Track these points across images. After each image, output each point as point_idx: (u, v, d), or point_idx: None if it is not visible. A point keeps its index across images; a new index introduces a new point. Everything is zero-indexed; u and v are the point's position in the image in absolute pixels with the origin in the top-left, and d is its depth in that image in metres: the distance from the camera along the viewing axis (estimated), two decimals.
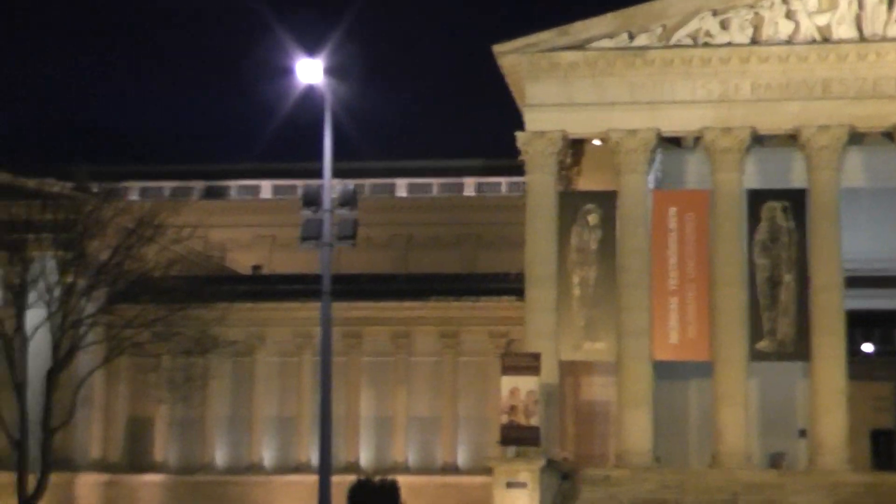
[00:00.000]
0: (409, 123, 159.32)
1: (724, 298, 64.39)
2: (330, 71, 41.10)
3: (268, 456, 78.03)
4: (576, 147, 68.45)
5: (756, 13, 65.65)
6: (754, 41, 65.34)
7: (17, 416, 62.70)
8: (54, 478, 64.48)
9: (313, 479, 64.95)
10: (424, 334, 77.28)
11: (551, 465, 62.04)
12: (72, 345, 63.74)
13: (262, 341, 78.22)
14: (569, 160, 68.30)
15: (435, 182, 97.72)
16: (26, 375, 62.94)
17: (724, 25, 65.50)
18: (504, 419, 61.40)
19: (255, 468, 77.60)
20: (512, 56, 66.05)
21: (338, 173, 47.58)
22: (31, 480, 62.16)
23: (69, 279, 63.39)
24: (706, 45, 65.25)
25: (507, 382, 61.58)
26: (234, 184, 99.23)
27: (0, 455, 72.86)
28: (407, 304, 77.06)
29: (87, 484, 75.90)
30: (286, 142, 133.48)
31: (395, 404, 77.23)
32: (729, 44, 65.23)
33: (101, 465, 77.33)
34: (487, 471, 62.46)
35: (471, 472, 74.60)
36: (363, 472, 71.74)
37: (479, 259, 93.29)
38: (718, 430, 64.03)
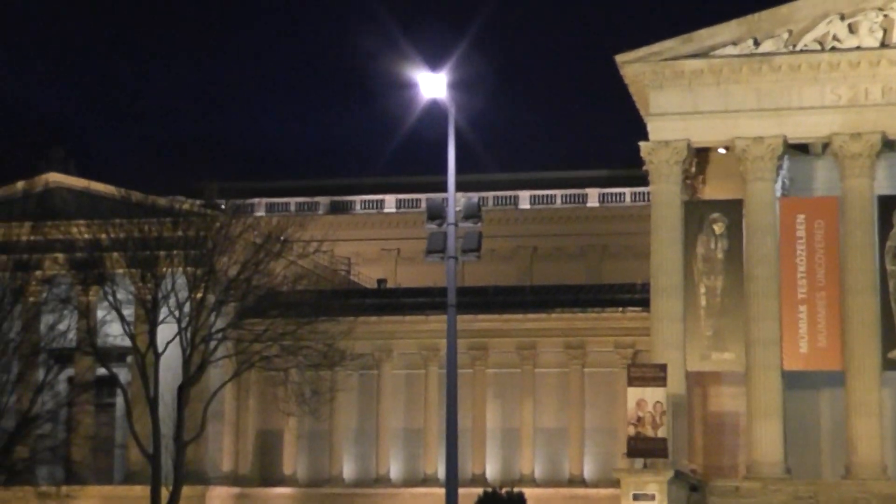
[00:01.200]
0: (531, 135, 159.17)
1: (855, 307, 63.17)
2: (454, 84, 41.15)
3: (395, 468, 78.36)
4: (700, 156, 67.75)
5: (885, 16, 64.39)
6: (884, 44, 64.08)
7: (150, 430, 63.88)
8: (186, 491, 65.47)
9: (440, 491, 65.02)
10: (550, 346, 76.99)
11: (679, 476, 61.35)
12: (202, 359, 64.78)
13: (389, 354, 78.62)
14: (693, 169, 67.62)
15: (558, 193, 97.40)
16: (158, 390, 64.07)
17: (852, 29, 64.33)
18: (631, 431, 60.87)
19: (383, 481, 77.97)
20: (635, 65, 65.58)
21: (461, 186, 47.66)
22: (164, 493, 63.26)
23: (199, 295, 64.46)
24: (834, 49, 64.14)
25: (634, 394, 61.05)
26: (358, 198, 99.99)
27: (133, 469, 74.43)
28: (532, 315, 76.86)
29: (219, 497, 76.89)
30: (410, 155, 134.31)
31: (521, 416, 77.06)
32: (858, 48, 64.04)
33: (232, 478, 78.25)
34: (615, 483, 62.03)
35: (598, 484, 74.17)
36: (490, 485, 71.55)
37: (603, 270, 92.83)
38: (851, 441, 62.78)
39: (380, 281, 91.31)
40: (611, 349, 75.82)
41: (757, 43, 64.78)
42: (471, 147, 47.57)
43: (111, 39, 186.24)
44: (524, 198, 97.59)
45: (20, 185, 67.16)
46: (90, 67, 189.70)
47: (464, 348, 67.39)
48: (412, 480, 77.65)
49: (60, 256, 66.62)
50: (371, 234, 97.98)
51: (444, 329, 59.29)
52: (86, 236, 66.20)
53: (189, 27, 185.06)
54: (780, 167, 65.65)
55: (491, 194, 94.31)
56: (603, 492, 71.87)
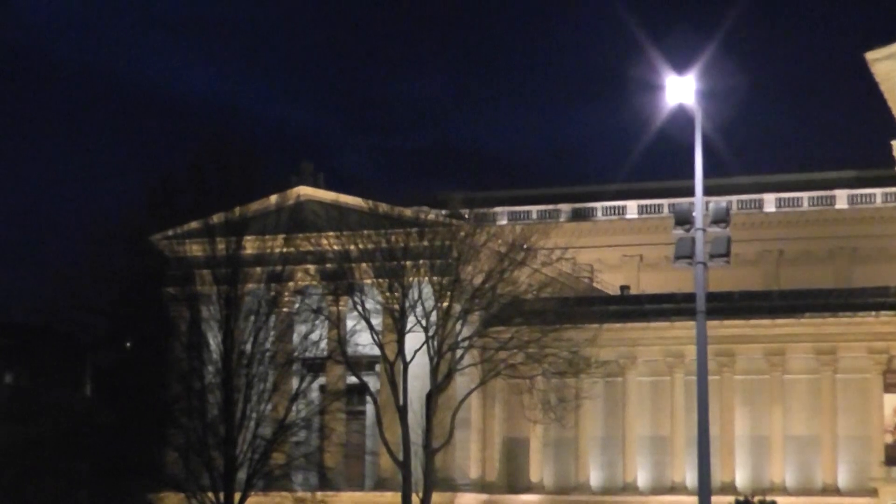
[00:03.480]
0: (777, 136, 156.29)
1: None
2: (701, 88, 40.56)
3: (642, 476, 77.76)
4: None
5: None
6: None
7: (400, 437, 64.93)
8: (435, 497, 66.37)
9: (689, 500, 64.44)
10: (799, 351, 75.31)
11: None
12: (449, 368, 65.65)
13: (633, 361, 78.11)
14: None
15: (805, 196, 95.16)
16: (407, 398, 65.06)
17: None
18: (888, 438, 59.37)
19: (630, 488, 77.47)
20: (886, 62, 63.74)
21: (705, 191, 46.92)
22: (415, 500, 64.19)
23: (445, 304, 65.25)
24: None
25: (891, 400, 59.56)
26: (600, 205, 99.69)
27: (384, 475, 75.79)
28: (780, 320, 75.31)
29: (467, 503, 77.61)
30: (654, 160, 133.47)
31: (771, 424, 75.53)
32: None
33: (480, 485, 78.88)
34: (871, 492, 60.42)
35: (852, 493, 72.15)
36: (739, 493, 70.42)
37: (853, 273, 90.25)
38: None
39: (622, 287, 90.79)
40: (863, 354, 73.71)
41: None
42: (715, 150, 46.82)
43: (356, 54, 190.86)
44: (769, 200, 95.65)
45: (273, 199, 69.06)
46: (336, 82, 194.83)
47: (711, 355, 66.18)
48: (660, 488, 76.98)
49: (311, 268, 68.32)
50: (613, 241, 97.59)
51: (689, 335, 58.59)
52: (335, 248, 67.73)
53: (430, 39, 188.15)
54: None
55: (735, 198, 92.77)
56: (858, 500, 69.90)
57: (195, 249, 63.48)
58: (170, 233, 66.18)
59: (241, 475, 60.44)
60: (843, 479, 73.80)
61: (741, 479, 75.63)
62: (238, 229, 61.18)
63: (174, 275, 63.33)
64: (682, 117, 43.15)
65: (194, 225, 63.61)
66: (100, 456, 64.88)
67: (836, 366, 74.61)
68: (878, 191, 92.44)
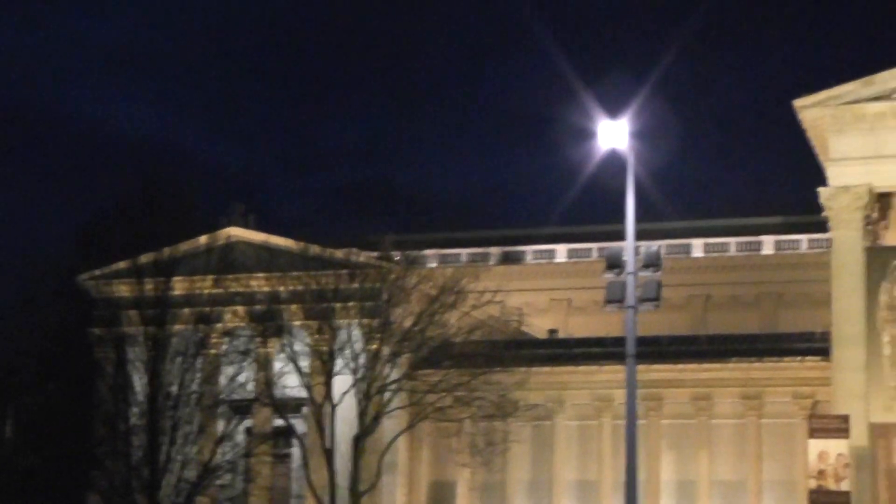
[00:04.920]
0: (705, 181, 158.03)
1: None
2: (633, 133, 40.95)
3: None
4: (882, 200, 66.16)
5: None
6: None
7: (326, 480, 64.48)
8: None
9: None
10: (726, 396, 75.78)
11: None
12: (377, 411, 65.39)
13: (561, 405, 78.20)
14: (875, 214, 66.03)
15: (732, 241, 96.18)
16: (334, 441, 64.72)
17: None
18: (812, 484, 59.56)
19: None
20: (814, 109, 64.45)
21: (635, 235, 47.23)
22: None
23: (375, 346, 65.09)
24: None
25: (815, 445, 59.74)
26: (530, 248, 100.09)
27: None
28: (707, 365, 75.81)
29: None
30: (584, 204, 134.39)
31: (697, 468, 75.82)
32: None
33: None
34: None
35: None
36: None
37: (779, 318, 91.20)
38: None
39: (551, 331, 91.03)
40: (789, 399, 74.35)
41: None
42: (645, 194, 47.18)
43: (288, 96, 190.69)
44: (698, 245, 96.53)
45: (203, 239, 68.67)
46: (268, 125, 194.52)
47: (638, 398, 66.30)
48: None
49: (240, 309, 67.98)
50: (542, 284, 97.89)
51: (617, 379, 58.75)
52: (265, 289, 67.52)
53: (362, 81, 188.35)
54: None
55: (664, 242, 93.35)
56: None
57: (123, 290, 62.93)
58: (97, 273, 65.56)
59: None
60: None
61: None
62: (166, 270, 60.71)
63: (101, 315, 62.71)
64: (614, 162, 43.47)
65: (122, 265, 63.08)
66: (22, 499, 63.77)
67: (761, 410, 75.18)
68: (803, 237, 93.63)
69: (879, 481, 65.45)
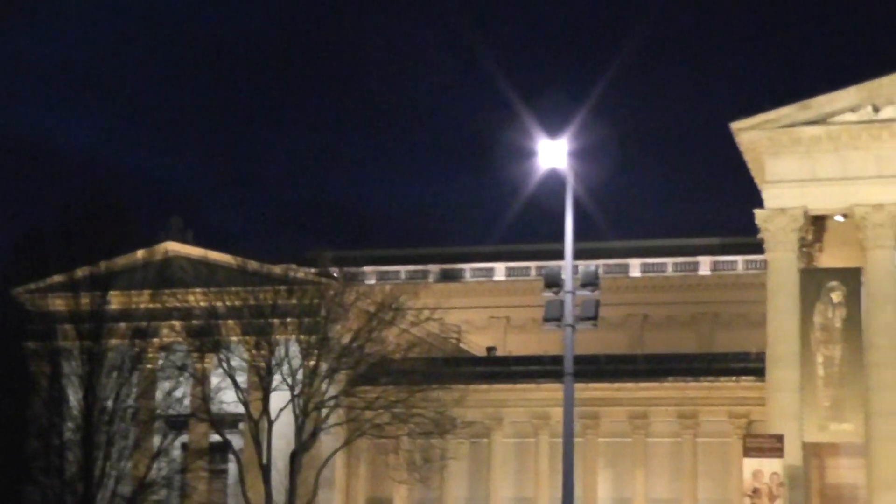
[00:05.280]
0: (642, 202, 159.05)
1: None
2: (570, 153, 41.15)
3: None
4: (817, 223, 66.94)
5: None
6: None
7: (263, 497, 64.13)
8: None
9: None
10: (662, 415, 76.24)
11: None
12: (315, 427, 65.10)
13: (499, 422, 78.34)
14: (810, 237, 66.80)
15: (669, 261, 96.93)
16: (271, 457, 64.40)
17: None
18: (747, 502, 59.91)
19: None
20: (751, 132, 65.08)
21: (573, 254, 47.49)
22: None
23: (312, 362, 64.89)
24: None
25: (750, 465, 60.11)
26: (468, 266, 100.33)
27: None
28: (644, 384, 76.26)
29: None
30: (523, 223, 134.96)
31: (634, 486, 76.22)
32: None
33: None
34: None
35: None
36: None
37: (715, 338, 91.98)
38: None
39: (489, 349, 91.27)
40: (724, 419, 74.89)
41: (876, 109, 63.95)
42: (583, 214, 47.46)
43: (227, 112, 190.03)
44: (635, 265, 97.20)
45: (140, 254, 68.22)
46: (207, 140, 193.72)
47: (576, 417, 66.29)
48: None
49: (177, 324, 67.54)
50: (481, 302, 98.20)
51: (554, 397, 58.81)
52: (202, 304, 67.07)
53: (303, 98, 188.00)
54: None
55: (602, 262, 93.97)
56: None
57: (58, 303, 62.31)
58: (32, 286, 64.93)
59: None
60: None
61: None
62: (103, 284, 60.17)
63: (36, 329, 62.06)
64: (553, 181, 43.66)
65: (58, 278, 62.49)
66: None
67: (697, 430, 75.70)
68: (739, 258, 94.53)
69: (813, 500, 66.26)
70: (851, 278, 64.17)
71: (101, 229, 60.16)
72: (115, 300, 62.49)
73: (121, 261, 63.92)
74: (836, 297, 63.87)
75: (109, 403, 59.83)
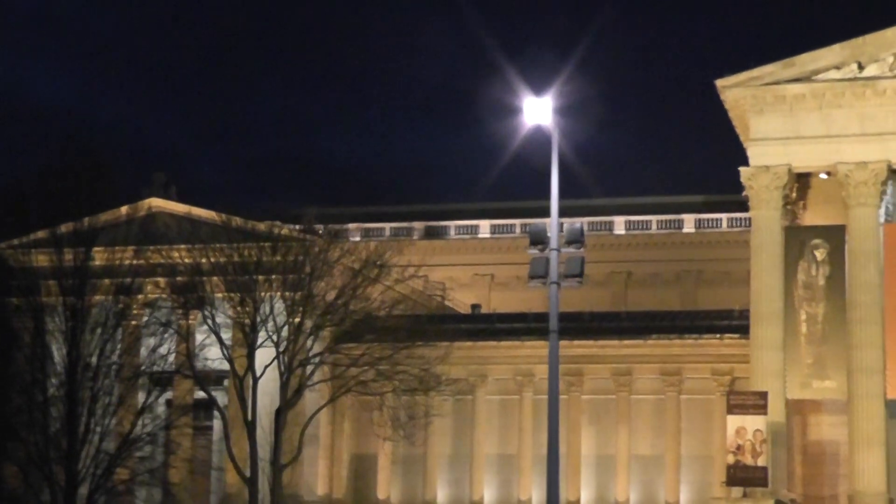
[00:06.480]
0: (628, 159, 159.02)
1: None
2: (556, 110, 41.02)
3: (489, 493, 78.14)
4: (801, 181, 67.00)
5: None
6: None
7: (247, 453, 64.25)
8: None
9: None
10: (646, 372, 76.49)
11: None
12: (299, 384, 65.15)
13: (483, 380, 78.52)
14: (794, 194, 66.85)
15: (654, 219, 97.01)
16: (256, 414, 64.44)
17: None
18: (730, 459, 60.25)
19: None
20: (735, 90, 65.03)
21: (558, 212, 47.43)
22: None
23: (297, 319, 64.82)
24: None
25: (733, 422, 60.45)
26: (453, 224, 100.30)
27: (230, 491, 74.96)
28: (628, 341, 76.46)
29: None
30: (509, 180, 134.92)
31: (617, 443, 76.53)
32: None
33: (327, 502, 78.55)
34: None
35: None
36: None
37: (699, 296, 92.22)
38: None
39: (474, 306, 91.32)
40: (708, 376, 75.20)
41: (861, 67, 63.95)
42: (568, 171, 47.41)
43: (212, 66, 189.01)
44: (619, 223, 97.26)
45: (123, 210, 67.91)
46: (191, 94, 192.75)
47: (560, 374, 66.77)
48: None
49: (161, 281, 67.40)
50: (465, 260, 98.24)
51: (538, 355, 58.88)
52: (186, 261, 66.90)
53: (289, 53, 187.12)
54: (883, 192, 64.61)
55: (586, 219, 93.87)
56: None
57: (41, 259, 62.01)
58: (15, 242, 64.59)
59: (83, 490, 59.08)
60: (685, 498, 75.17)
61: (586, 497, 76.52)
62: (86, 240, 59.86)
63: (19, 285, 61.78)
64: (538, 138, 43.57)
65: (41, 234, 62.17)
66: None
67: (681, 387, 76.00)
68: (723, 216, 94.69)
69: (795, 457, 66.64)
70: (835, 236, 64.36)
71: (83, 185, 59.80)
72: (99, 256, 62.17)
73: (104, 216, 63.50)
74: (820, 254, 64.09)
75: (93, 360, 59.64)
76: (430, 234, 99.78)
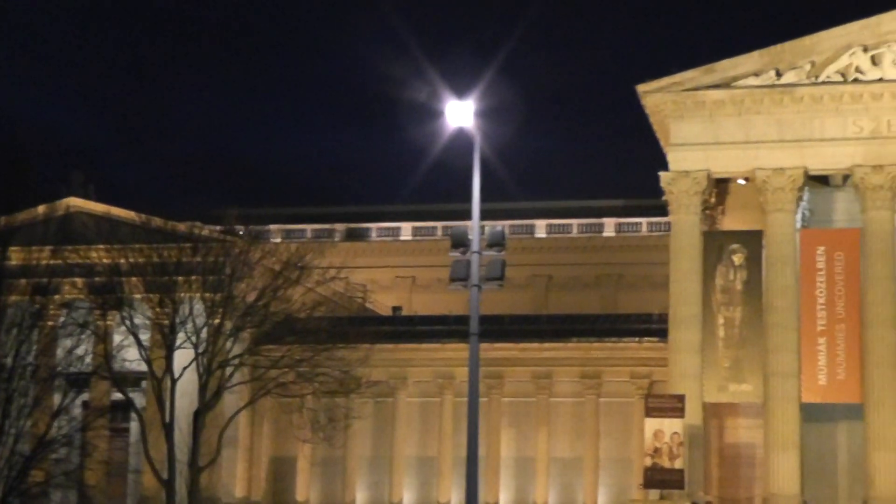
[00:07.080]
0: (549, 163, 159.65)
1: (875, 339, 62.88)
2: (478, 113, 41.12)
3: (408, 496, 78.18)
4: (720, 186, 67.70)
5: None
6: None
7: (165, 455, 63.71)
8: None
9: None
10: (565, 375, 76.94)
11: None
12: (218, 385, 64.72)
13: (404, 382, 78.56)
14: (713, 199, 67.55)
15: (574, 222, 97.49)
16: (174, 415, 63.94)
17: (875, 61, 64.22)
18: (648, 461, 60.76)
19: None
20: (656, 95, 65.57)
21: (480, 215, 47.54)
22: None
23: (216, 321, 64.38)
24: (857, 81, 64.01)
25: (651, 424, 60.99)
26: (374, 226, 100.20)
27: (147, 494, 74.30)
28: (548, 344, 76.87)
29: None
30: (430, 183, 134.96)
31: (536, 445, 76.89)
32: (881, 80, 63.90)
33: None
34: None
35: None
36: None
37: (619, 299, 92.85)
38: (870, 475, 62.41)
39: (395, 308, 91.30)
40: (626, 379, 75.78)
41: (779, 74, 64.75)
42: (489, 174, 47.57)
43: (131, 64, 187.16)
44: (540, 226, 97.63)
45: (41, 209, 67.04)
46: (110, 93, 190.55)
47: (480, 376, 66.93)
48: None
49: (79, 281, 66.65)
50: (387, 262, 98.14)
51: (459, 357, 58.96)
52: (105, 261, 66.19)
53: (210, 53, 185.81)
54: (800, 198, 65.51)
55: (507, 222, 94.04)
56: None
57: None
58: None
59: None
60: (603, 500, 75.70)
61: (505, 499, 76.83)
62: (2, 239, 58.99)
63: None
64: (460, 141, 43.67)
65: None
66: None
67: (600, 390, 76.52)
68: (644, 220, 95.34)
69: (712, 459, 67.26)
70: (752, 241, 65.09)
71: None
72: (15, 256, 61.26)
73: (21, 215, 62.63)
74: (738, 259, 64.78)
75: (9, 360, 58.73)
76: (352, 235, 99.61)
